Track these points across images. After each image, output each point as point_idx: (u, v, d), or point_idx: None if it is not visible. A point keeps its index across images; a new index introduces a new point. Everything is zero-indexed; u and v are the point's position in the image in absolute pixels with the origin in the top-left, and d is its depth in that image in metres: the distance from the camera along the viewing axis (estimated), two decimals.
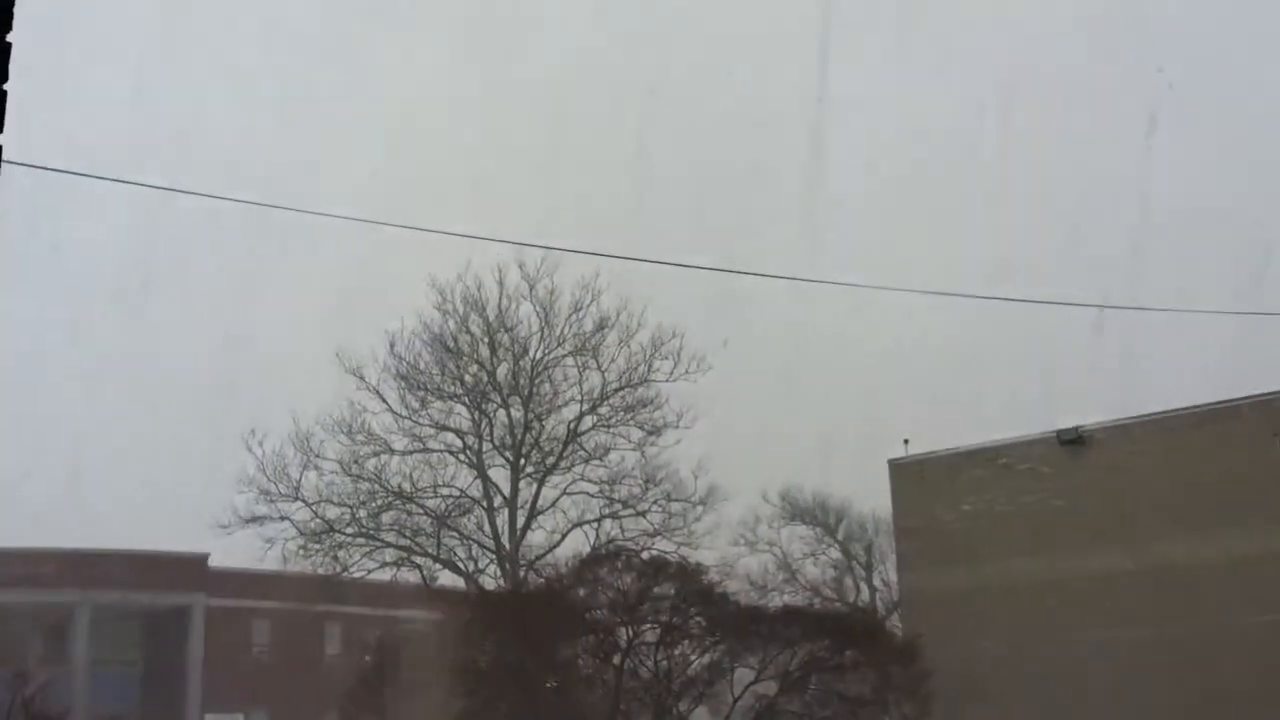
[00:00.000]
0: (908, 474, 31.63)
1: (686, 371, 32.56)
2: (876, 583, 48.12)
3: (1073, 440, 29.25)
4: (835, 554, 49.20)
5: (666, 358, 32.67)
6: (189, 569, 46.88)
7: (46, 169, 12.73)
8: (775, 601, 39.53)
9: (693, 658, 24.58)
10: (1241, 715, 24.19)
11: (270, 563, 32.77)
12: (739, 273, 24.29)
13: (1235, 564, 26.04)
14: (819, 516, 48.79)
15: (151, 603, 47.75)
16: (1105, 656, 27.12)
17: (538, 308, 33.21)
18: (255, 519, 31.76)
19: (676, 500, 32.53)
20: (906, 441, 31.79)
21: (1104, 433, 29.22)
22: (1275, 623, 25.36)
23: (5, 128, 4.52)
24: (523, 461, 33.15)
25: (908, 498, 31.73)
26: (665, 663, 24.10)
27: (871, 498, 42.73)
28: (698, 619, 24.23)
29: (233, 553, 35.25)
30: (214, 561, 45.20)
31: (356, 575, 32.80)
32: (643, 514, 32.59)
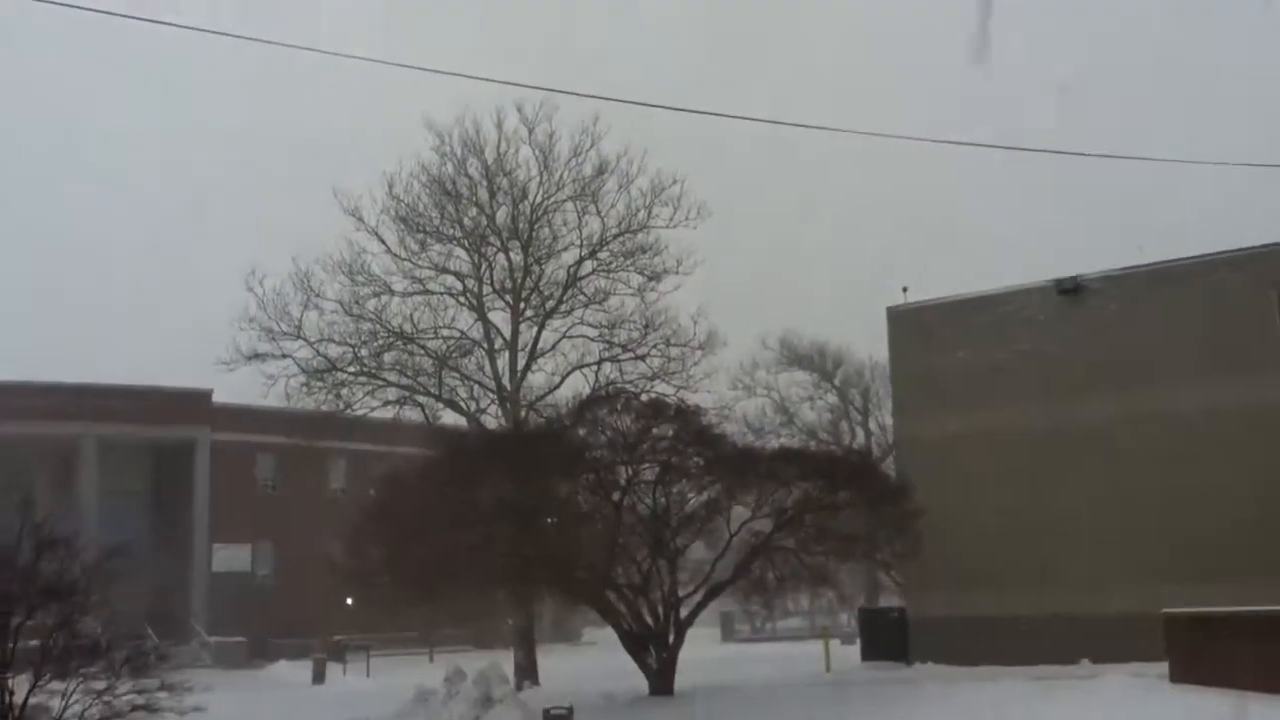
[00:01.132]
0: (905, 321, 31.81)
1: (686, 218, 32.41)
2: (872, 427, 48.95)
3: (1070, 290, 29.37)
4: (832, 399, 49.92)
5: (666, 204, 32.46)
6: (193, 404, 47.57)
7: (72, 6, 12.75)
8: (772, 443, 40.25)
9: (690, 495, 25.11)
10: (1229, 562, 24.80)
11: (273, 400, 33.06)
12: (720, 115, 24.14)
13: (1229, 413, 26.43)
14: (817, 362, 49.33)
15: (158, 436, 48.60)
16: (1097, 504, 27.72)
17: (536, 152, 32.85)
18: (257, 356, 31.92)
19: (676, 345, 32.68)
20: (905, 289, 31.94)
21: (1101, 282, 29.32)
22: (1265, 471, 25.88)
23: None
24: (522, 305, 33.20)
25: (905, 345, 31.97)
26: (663, 500, 24.65)
27: (869, 344, 43.21)
28: (695, 459, 24.63)
29: (236, 389, 35.53)
30: (217, 398, 45.82)
31: (359, 413, 33.18)
32: (642, 358, 32.76)
